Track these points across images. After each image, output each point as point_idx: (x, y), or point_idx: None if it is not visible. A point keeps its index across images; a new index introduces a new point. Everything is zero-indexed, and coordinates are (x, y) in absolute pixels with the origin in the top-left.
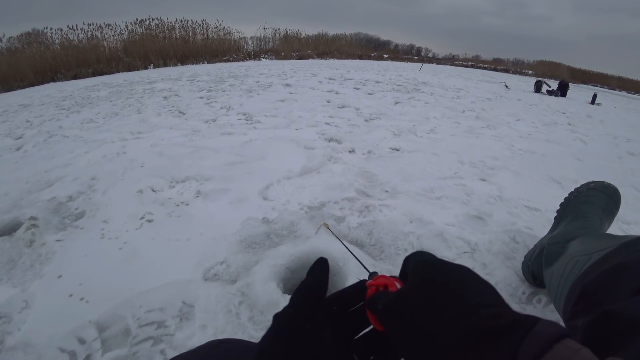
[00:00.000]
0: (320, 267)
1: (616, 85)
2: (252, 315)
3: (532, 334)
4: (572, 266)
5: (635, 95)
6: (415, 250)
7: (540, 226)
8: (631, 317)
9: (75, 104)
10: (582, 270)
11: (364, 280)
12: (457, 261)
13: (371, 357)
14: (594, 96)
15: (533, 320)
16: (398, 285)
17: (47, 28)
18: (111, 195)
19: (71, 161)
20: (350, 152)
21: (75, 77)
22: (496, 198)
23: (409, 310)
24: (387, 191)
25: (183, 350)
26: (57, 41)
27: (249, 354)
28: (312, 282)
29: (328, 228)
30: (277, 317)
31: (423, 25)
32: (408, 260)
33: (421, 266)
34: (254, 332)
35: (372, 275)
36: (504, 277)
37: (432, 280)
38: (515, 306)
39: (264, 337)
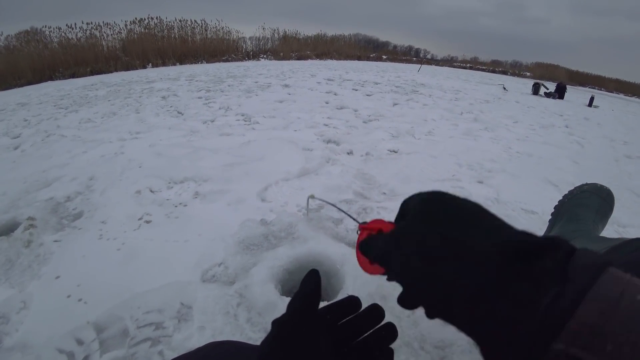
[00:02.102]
0: (312, 278)
1: (613, 87)
2: (250, 316)
3: (580, 256)
4: None
5: (633, 98)
6: None
7: (537, 229)
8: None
9: (73, 103)
10: None
11: (355, 296)
12: None
13: None
14: (592, 99)
15: (571, 245)
16: None
17: (45, 26)
18: (109, 195)
19: (69, 161)
20: (348, 153)
21: (73, 76)
22: (493, 200)
23: (422, 233)
24: (384, 193)
25: (181, 352)
26: (55, 40)
27: (248, 356)
28: (305, 291)
29: (314, 197)
30: (275, 323)
31: (421, 26)
32: (409, 200)
33: (431, 197)
34: (252, 334)
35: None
36: None
37: (448, 203)
38: None
39: (263, 342)
